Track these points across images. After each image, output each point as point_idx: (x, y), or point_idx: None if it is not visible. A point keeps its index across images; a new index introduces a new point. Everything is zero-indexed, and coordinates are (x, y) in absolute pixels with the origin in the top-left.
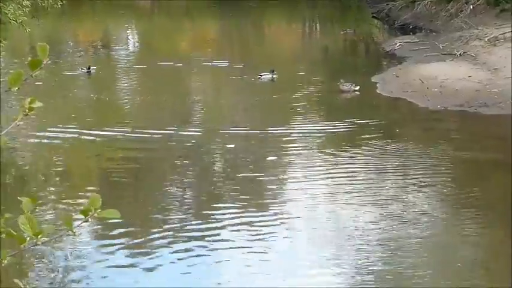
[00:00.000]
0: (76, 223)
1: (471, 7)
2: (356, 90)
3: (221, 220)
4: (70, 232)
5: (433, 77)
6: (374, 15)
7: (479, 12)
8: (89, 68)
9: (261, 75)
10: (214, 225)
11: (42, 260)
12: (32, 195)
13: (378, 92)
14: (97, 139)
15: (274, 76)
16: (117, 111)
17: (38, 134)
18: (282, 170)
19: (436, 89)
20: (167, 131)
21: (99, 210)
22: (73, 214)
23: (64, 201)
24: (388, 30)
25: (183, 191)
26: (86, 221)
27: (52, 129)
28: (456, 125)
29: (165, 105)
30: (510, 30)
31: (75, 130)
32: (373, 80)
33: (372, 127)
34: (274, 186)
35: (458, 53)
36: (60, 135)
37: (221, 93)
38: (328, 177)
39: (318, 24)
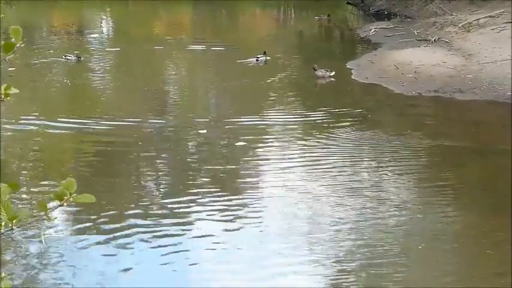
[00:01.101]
0: (55, 209)
1: None
2: (331, 76)
3: (193, 208)
4: (45, 217)
5: (408, 62)
6: (349, 1)
7: None
8: (79, 57)
9: (258, 58)
10: (186, 211)
11: (17, 245)
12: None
13: (353, 78)
14: (71, 127)
15: (267, 58)
16: (92, 98)
17: (10, 122)
18: (255, 159)
19: (410, 75)
20: (143, 118)
21: (74, 194)
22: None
23: (38, 189)
24: (363, 16)
25: (156, 180)
26: (61, 205)
27: (25, 117)
28: (431, 110)
29: (141, 90)
30: (484, 16)
31: (48, 118)
32: (348, 66)
33: (346, 114)
34: (246, 175)
35: (432, 39)
36: (32, 122)
37: (196, 77)
38: (302, 165)
39: (292, 11)
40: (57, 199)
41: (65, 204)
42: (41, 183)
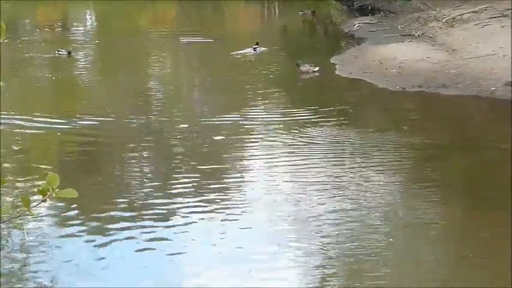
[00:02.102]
0: (36, 203)
1: None
2: (315, 71)
3: (176, 206)
4: (28, 212)
5: (392, 57)
6: None
7: None
8: (69, 52)
9: (255, 48)
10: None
11: (1, 240)
12: None
13: (337, 73)
14: (55, 123)
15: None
16: (75, 94)
17: None
18: (237, 157)
19: (394, 70)
20: (125, 114)
21: (57, 190)
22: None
23: (21, 184)
24: (347, 11)
25: (141, 175)
26: (44, 200)
27: (5, 112)
28: (415, 105)
29: (126, 85)
30: (467, 11)
31: (29, 115)
32: (332, 61)
33: (330, 110)
34: (228, 173)
35: (416, 34)
36: (17, 118)
37: (181, 71)
38: (284, 162)
39: (277, 6)
40: (40, 194)
41: (48, 199)
42: (25, 178)
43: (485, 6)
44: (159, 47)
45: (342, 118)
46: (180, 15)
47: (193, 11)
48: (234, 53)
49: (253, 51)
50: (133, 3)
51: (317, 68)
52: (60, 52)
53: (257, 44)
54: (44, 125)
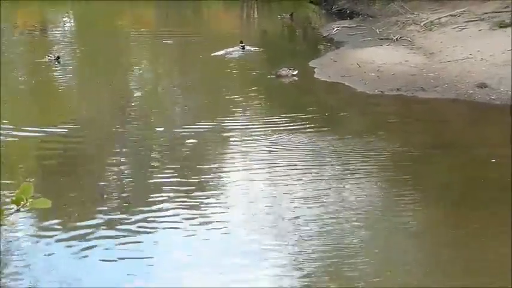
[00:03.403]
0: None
1: None
2: (294, 75)
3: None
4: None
5: (370, 61)
6: (311, 0)
7: None
8: (58, 58)
9: (243, 46)
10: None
11: None
12: None
13: (316, 76)
14: (31, 131)
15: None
16: (52, 99)
17: None
18: (214, 164)
19: (373, 74)
20: (103, 121)
21: (31, 199)
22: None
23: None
24: (326, 15)
25: (118, 183)
26: (18, 210)
27: None
28: (393, 109)
29: (104, 90)
30: (445, 15)
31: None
32: (311, 65)
33: (309, 114)
34: (206, 183)
35: (394, 38)
36: None
37: (159, 74)
38: (263, 169)
39: (255, 10)
40: (14, 204)
41: (21, 209)
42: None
43: (462, 10)
44: (138, 49)
45: (320, 123)
46: (159, 16)
47: (173, 13)
48: (214, 54)
49: (240, 49)
50: (112, 5)
51: (296, 72)
52: (50, 57)
53: (241, 42)
54: (20, 133)
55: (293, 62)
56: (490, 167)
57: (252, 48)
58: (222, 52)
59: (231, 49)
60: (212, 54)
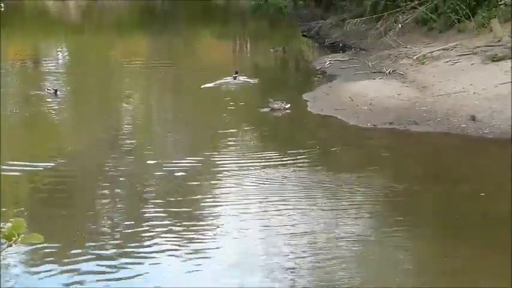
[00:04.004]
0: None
1: (400, 26)
2: (287, 108)
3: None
4: None
5: (363, 94)
6: (304, 33)
7: (408, 30)
8: (56, 90)
9: (235, 76)
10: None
11: None
12: None
13: (309, 109)
14: (24, 167)
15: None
16: (45, 132)
17: None
18: (207, 200)
19: (366, 107)
20: (93, 155)
21: (23, 235)
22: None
23: None
24: (319, 48)
25: (110, 216)
26: (10, 245)
27: None
28: (386, 142)
29: (96, 121)
30: (438, 48)
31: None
32: (304, 98)
33: (301, 149)
34: (197, 217)
35: (387, 71)
36: None
37: (151, 106)
38: (254, 206)
39: (248, 43)
40: (5, 240)
41: (13, 244)
42: None
43: (455, 43)
44: (131, 80)
45: (312, 158)
46: (151, 48)
47: (164, 46)
48: (206, 85)
49: (233, 80)
50: (104, 38)
51: (289, 105)
52: (49, 90)
53: (236, 73)
54: (11, 167)
55: (286, 95)
56: (480, 200)
57: (246, 79)
58: (214, 83)
59: (223, 80)
60: (204, 86)
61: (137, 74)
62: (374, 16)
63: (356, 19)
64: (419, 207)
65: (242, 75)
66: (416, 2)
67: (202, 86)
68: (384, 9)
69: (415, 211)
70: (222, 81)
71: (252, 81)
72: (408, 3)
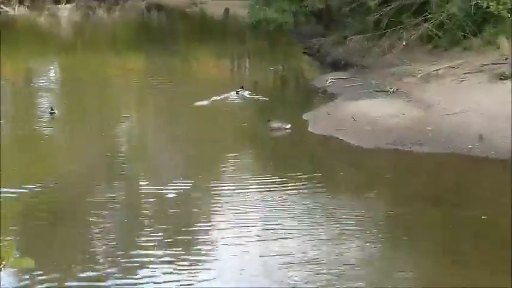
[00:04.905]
0: None
1: (404, 43)
2: (287, 129)
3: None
4: None
5: (366, 114)
6: (305, 51)
7: (412, 48)
8: (52, 109)
9: (238, 91)
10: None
11: None
12: None
13: (310, 129)
14: (17, 189)
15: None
16: (38, 152)
17: None
18: (204, 226)
19: (368, 127)
20: (86, 179)
21: (13, 259)
22: None
23: None
24: (319, 66)
25: (103, 242)
26: (0, 269)
27: None
28: (389, 164)
29: (90, 141)
30: (443, 66)
31: None
32: (304, 118)
33: (301, 173)
34: (197, 242)
35: (391, 90)
36: None
37: (147, 126)
38: (253, 232)
39: (247, 61)
40: None
41: (3, 268)
42: None
43: (461, 61)
44: (126, 99)
45: (313, 181)
46: (147, 67)
47: (161, 64)
48: (201, 103)
49: (235, 95)
50: (99, 55)
51: (289, 126)
52: (52, 111)
53: (242, 87)
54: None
55: (286, 115)
56: (483, 224)
57: (250, 95)
58: (215, 98)
59: (224, 95)
60: (198, 104)
61: (133, 93)
62: (377, 33)
63: (358, 36)
64: (423, 231)
65: (246, 92)
66: (421, 19)
67: (196, 104)
68: (387, 25)
69: (419, 235)
70: (224, 96)
71: (260, 97)
72: (412, 19)
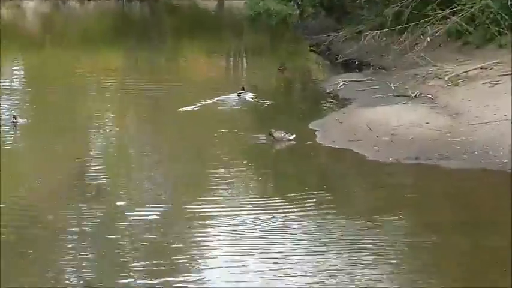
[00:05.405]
0: None
1: (428, 39)
2: (291, 139)
3: None
4: None
5: (384, 123)
6: (312, 48)
7: (438, 45)
8: (15, 118)
9: (240, 93)
10: None
11: None
12: None
13: (318, 141)
14: None
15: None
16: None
17: None
18: (202, 250)
19: (387, 138)
20: (63, 194)
21: None
22: None
23: None
24: (330, 66)
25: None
26: None
27: None
28: (411, 181)
29: (61, 155)
30: (474, 67)
31: None
32: (311, 127)
33: (309, 192)
34: (191, 271)
35: (413, 95)
36: None
37: (130, 134)
38: (255, 259)
39: (244, 59)
40: None
41: None
42: None
43: (495, 61)
44: (101, 103)
45: (322, 202)
46: (127, 65)
47: (143, 62)
48: (182, 109)
49: (236, 97)
50: (70, 52)
51: (293, 136)
52: (14, 120)
53: (243, 89)
54: None
55: (290, 124)
56: None
57: (251, 98)
58: (214, 100)
59: (222, 97)
60: (182, 109)
61: (110, 96)
62: (397, 28)
63: (375, 31)
64: (450, 261)
65: (248, 93)
66: (449, 11)
67: (180, 109)
68: (408, 19)
69: (445, 266)
70: (220, 98)
71: (264, 101)
72: (439, 12)
